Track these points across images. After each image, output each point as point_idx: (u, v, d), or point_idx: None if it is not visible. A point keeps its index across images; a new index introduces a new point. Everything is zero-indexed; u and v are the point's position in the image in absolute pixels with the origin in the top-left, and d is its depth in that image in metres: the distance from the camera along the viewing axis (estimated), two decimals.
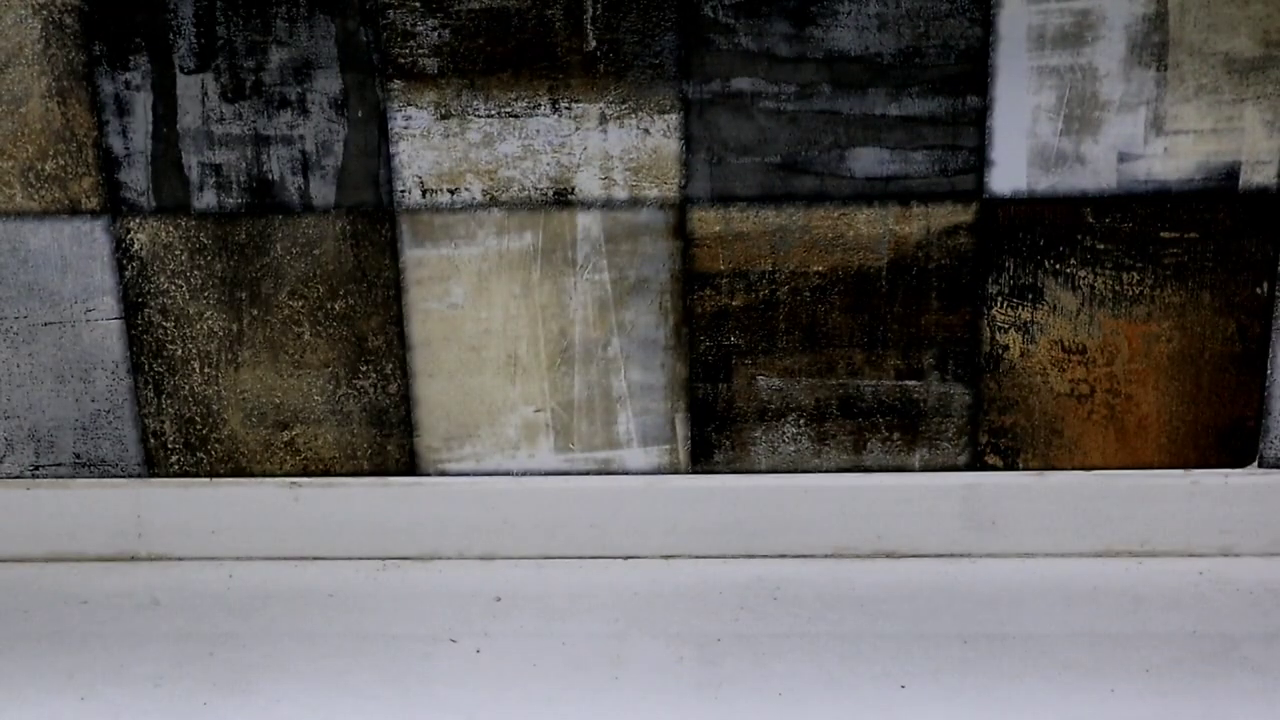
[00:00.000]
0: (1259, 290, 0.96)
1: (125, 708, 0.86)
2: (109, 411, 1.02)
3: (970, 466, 1.01)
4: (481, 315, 0.99)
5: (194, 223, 0.98)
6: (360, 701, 0.86)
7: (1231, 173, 0.94)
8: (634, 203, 0.96)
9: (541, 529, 1.03)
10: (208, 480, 1.04)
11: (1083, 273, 0.96)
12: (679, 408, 1.01)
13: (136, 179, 0.97)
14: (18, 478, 1.05)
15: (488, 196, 0.97)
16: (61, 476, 1.04)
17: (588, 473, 1.02)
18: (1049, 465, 1.01)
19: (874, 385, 1.00)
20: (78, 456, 1.04)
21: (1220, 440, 1.00)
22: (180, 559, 1.04)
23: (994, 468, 1.01)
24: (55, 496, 1.04)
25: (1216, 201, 0.94)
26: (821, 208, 0.96)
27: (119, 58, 0.94)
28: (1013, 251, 0.96)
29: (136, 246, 0.99)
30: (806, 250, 0.97)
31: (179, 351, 1.01)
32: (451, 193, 0.97)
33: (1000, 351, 0.98)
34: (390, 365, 1.01)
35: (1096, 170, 0.94)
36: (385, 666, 0.90)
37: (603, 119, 0.94)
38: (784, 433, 1.01)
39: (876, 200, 0.95)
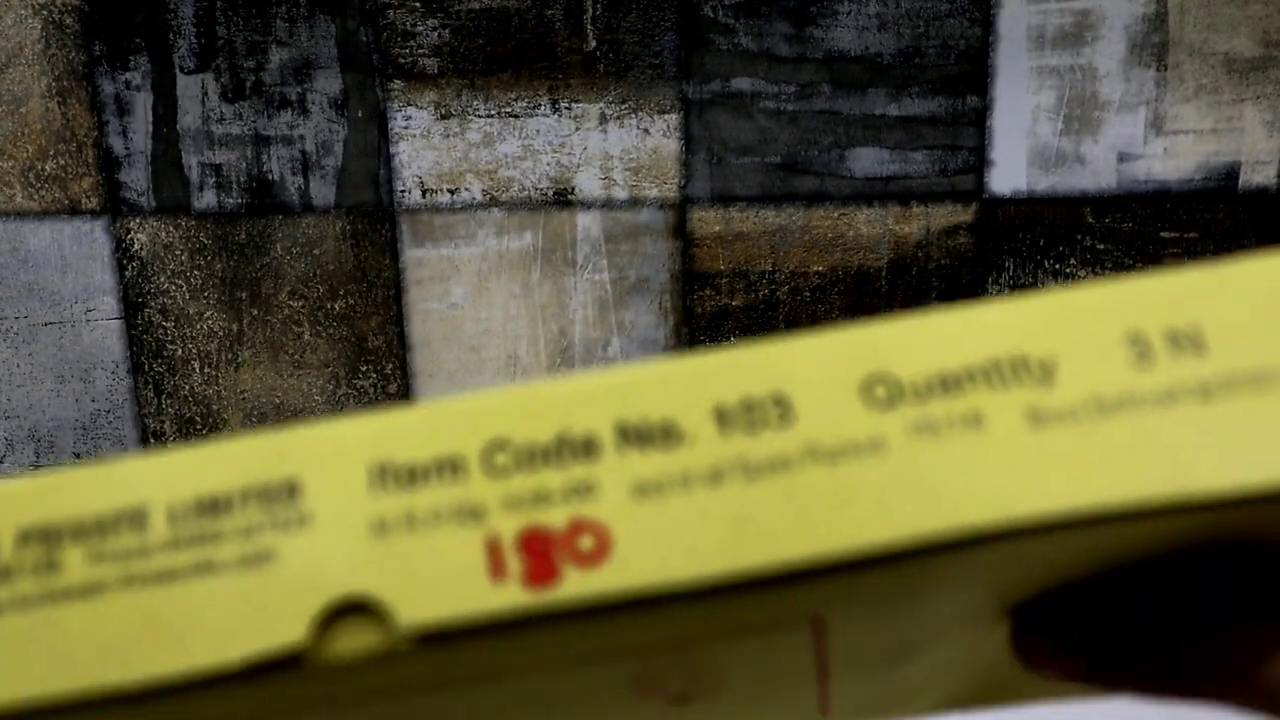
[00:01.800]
0: None
1: None
2: (109, 411, 1.02)
3: None
4: (481, 315, 0.99)
5: (194, 223, 0.98)
6: None
7: (1231, 173, 0.94)
8: (634, 203, 0.96)
9: None
10: None
11: (1083, 273, 0.96)
12: None
13: (136, 179, 0.97)
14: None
15: (488, 196, 0.97)
16: None
17: None
18: None
19: None
20: (78, 456, 1.04)
21: None
22: None
23: None
24: None
25: (1216, 201, 0.94)
26: (821, 208, 0.96)
27: (119, 58, 0.94)
28: (1013, 251, 0.96)
29: (136, 246, 0.99)
30: (806, 250, 0.97)
31: (179, 351, 1.01)
32: (451, 193, 0.97)
33: None
34: (390, 365, 1.01)
35: (1096, 170, 0.94)
36: None
37: (603, 119, 0.95)
38: None
39: (876, 200, 0.95)
